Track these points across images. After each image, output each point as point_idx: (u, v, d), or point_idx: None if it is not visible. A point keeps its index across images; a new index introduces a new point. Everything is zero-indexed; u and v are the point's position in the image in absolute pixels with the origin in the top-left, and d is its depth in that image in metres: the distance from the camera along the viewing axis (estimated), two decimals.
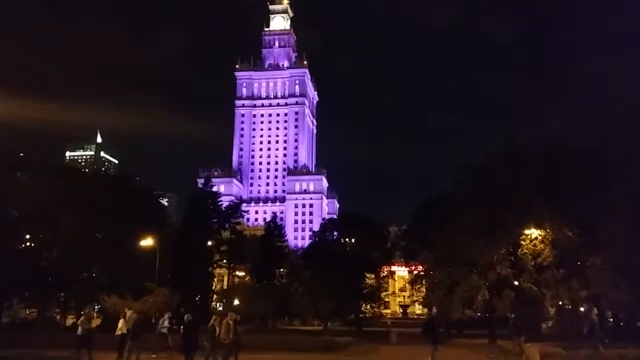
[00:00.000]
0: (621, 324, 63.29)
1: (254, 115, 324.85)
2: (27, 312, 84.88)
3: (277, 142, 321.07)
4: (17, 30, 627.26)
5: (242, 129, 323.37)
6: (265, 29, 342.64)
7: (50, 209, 68.11)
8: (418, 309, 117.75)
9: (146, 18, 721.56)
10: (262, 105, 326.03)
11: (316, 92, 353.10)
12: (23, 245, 75.46)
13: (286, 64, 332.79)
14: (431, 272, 70.46)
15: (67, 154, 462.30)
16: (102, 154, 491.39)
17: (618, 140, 56.01)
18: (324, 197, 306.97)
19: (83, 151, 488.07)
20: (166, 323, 40.07)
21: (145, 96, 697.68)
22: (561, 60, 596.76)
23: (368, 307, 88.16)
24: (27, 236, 75.74)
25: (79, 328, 33.48)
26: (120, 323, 34.93)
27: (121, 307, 65.61)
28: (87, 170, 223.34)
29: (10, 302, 73.43)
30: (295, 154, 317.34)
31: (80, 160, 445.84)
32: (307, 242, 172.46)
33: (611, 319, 64.73)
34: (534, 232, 56.10)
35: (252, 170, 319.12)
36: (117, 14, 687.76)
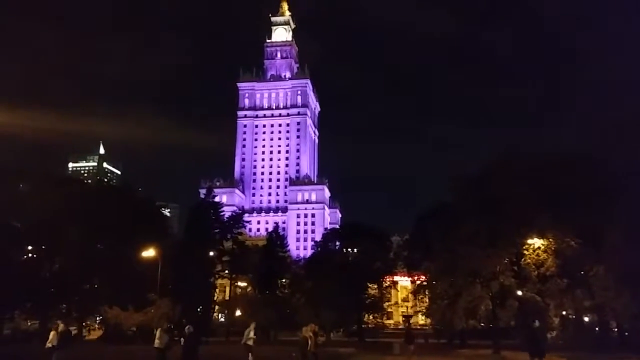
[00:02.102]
0: (626, 333, 62.81)
1: (256, 126, 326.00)
2: (29, 323, 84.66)
3: (279, 152, 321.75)
4: (20, 42, 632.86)
5: (245, 140, 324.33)
6: (267, 41, 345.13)
7: (52, 220, 68.21)
8: (421, 319, 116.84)
9: (149, 30, 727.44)
10: (264, 116, 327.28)
11: (318, 103, 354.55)
12: (25, 257, 75.47)
13: (288, 74, 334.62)
14: (434, 282, 70.09)
15: (70, 165, 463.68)
16: (105, 165, 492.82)
17: (619, 147, 56.02)
18: (326, 207, 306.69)
19: (86, 162, 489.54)
20: (252, 334, 37.94)
21: (147, 107, 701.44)
22: (561, 67, 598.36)
23: (371, 317, 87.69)
24: (30, 247, 75.76)
25: (156, 341, 32.98)
26: (52, 336, 35.00)
27: (123, 318, 65.71)
28: (89, 181, 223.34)
29: (12, 314, 73.32)
30: (297, 164, 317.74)
31: (82, 172, 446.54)
32: (309, 252, 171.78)
33: (615, 329, 64.23)
34: (536, 242, 55.85)
35: (254, 181, 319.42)
36: (121, 26, 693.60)
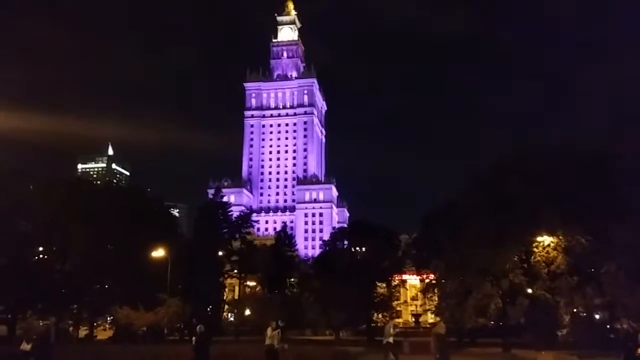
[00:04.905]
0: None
1: (263, 126, 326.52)
2: (41, 323, 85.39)
3: (286, 151, 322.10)
4: (29, 43, 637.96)
5: (252, 139, 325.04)
6: (274, 40, 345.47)
7: (62, 221, 68.79)
8: (430, 318, 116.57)
9: (156, 31, 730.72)
10: (271, 116, 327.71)
11: (325, 102, 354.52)
12: (36, 258, 76.14)
13: (294, 74, 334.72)
14: (443, 281, 69.89)
15: (79, 166, 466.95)
16: (114, 166, 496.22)
17: (629, 144, 55.54)
18: (333, 206, 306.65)
19: (95, 163, 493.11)
20: (392, 331, 36.99)
21: (155, 108, 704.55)
22: (563, 65, 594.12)
23: (380, 316, 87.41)
24: (40, 248, 76.42)
25: (267, 339, 32.70)
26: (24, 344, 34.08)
27: (133, 318, 66.13)
28: (98, 182, 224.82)
29: (24, 315, 74.08)
30: (305, 164, 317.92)
31: (92, 173, 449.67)
32: (317, 251, 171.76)
33: (626, 326, 63.70)
34: (546, 240, 55.54)
35: (262, 180, 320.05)
36: (126, 27, 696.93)
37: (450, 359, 30.06)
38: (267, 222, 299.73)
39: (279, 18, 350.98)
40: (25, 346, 32.47)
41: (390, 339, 36.03)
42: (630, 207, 49.72)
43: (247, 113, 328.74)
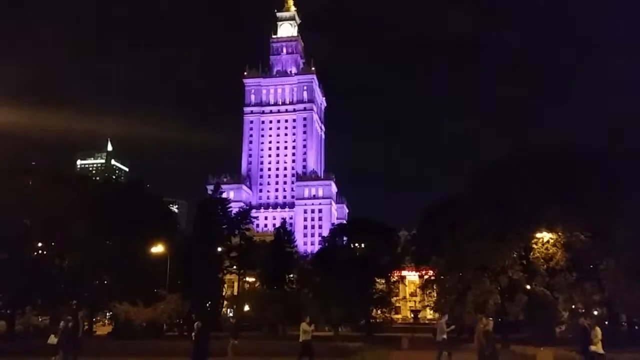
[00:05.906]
0: (636, 327, 62.44)
1: (263, 122, 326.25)
2: (40, 319, 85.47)
3: (285, 148, 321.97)
4: (30, 39, 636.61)
5: (251, 136, 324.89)
6: (273, 36, 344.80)
7: (61, 216, 68.59)
8: (429, 314, 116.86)
9: (156, 27, 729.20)
10: (271, 112, 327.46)
11: (324, 98, 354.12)
12: (35, 253, 76.03)
13: (294, 70, 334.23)
14: (442, 277, 70.02)
15: (78, 162, 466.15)
16: (113, 162, 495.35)
17: (629, 139, 55.53)
18: (333, 202, 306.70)
19: (94, 159, 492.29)
20: (445, 328, 38.00)
21: (155, 104, 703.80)
22: (565, 62, 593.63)
23: (379, 312, 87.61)
24: (39, 244, 76.30)
25: (302, 334, 33.84)
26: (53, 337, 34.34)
27: (132, 314, 66.15)
28: (98, 178, 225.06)
29: (23, 310, 74.01)
30: (304, 160, 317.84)
31: (91, 169, 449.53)
32: (316, 247, 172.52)
33: (625, 323, 63.87)
34: (545, 236, 55.60)
35: (261, 176, 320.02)
36: (124, 23, 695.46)
37: (499, 357, 29.71)
38: (266, 218, 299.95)
39: (279, 14, 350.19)
40: (53, 339, 33.08)
41: (445, 336, 36.66)
42: (629, 204, 49.72)
43: (247, 109, 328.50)
